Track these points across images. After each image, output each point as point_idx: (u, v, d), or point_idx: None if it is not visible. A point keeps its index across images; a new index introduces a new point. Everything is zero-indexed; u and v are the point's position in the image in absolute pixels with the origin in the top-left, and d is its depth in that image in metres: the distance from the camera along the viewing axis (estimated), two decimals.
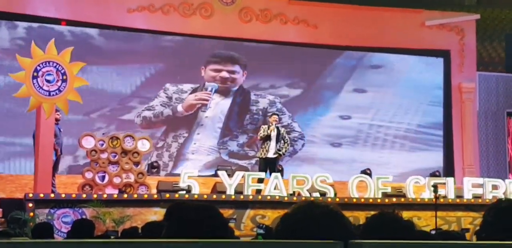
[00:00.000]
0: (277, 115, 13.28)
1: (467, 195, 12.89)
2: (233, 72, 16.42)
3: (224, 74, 16.28)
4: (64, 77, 11.42)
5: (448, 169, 16.98)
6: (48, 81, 11.30)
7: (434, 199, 12.03)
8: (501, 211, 2.33)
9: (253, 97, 16.66)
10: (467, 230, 11.79)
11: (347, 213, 12.41)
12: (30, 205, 10.65)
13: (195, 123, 16.12)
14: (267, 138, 12.67)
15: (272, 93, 16.85)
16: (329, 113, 17.20)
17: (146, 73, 15.86)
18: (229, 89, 16.45)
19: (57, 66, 11.40)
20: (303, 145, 16.88)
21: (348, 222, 2.22)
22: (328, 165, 16.22)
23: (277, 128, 12.86)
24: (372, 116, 17.44)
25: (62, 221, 10.67)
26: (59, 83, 11.36)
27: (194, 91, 16.13)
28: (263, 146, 12.76)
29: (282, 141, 12.80)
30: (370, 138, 17.38)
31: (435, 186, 12.43)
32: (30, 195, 10.81)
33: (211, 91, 16.08)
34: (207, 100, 16.07)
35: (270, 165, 12.73)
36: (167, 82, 16.01)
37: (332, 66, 17.37)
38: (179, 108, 16.00)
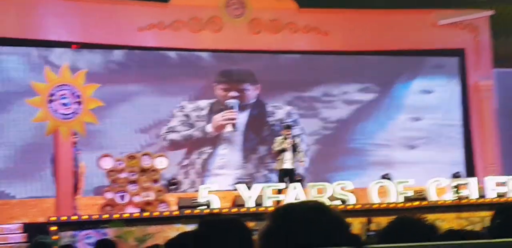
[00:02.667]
0: (289, 127, 13.28)
1: (491, 194, 12.79)
2: (241, 90, 16.49)
3: (233, 93, 16.35)
4: (79, 99, 11.54)
5: (470, 169, 16.85)
6: (63, 104, 11.43)
7: (456, 200, 11.96)
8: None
9: (269, 109, 16.70)
10: None
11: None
12: (54, 228, 10.75)
13: (219, 139, 16.20)
14: (282, 149, 12.70)
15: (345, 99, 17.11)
16: (399, 115, 17.42)
17: (159, 91, 15.93)
18: (245, 104, 16.53)
19: (71, 89, 11.53)
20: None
21: (344, 223, 2.00)
22: (406, 168, 16.21)
23: (292, 140, 12.84)
24: (442, 115, 17.62)
25: (86, 242, 10.76)
26: (74, 106, 11.49)
27: (211, 107, 16.22)
28: (279, 158, 12.77)
29: (297, 151, 12.81)
30: (442, 138, 17.48)
31: (456, 187, 12.37)
32: (53, 218, 10.92)
33: (233, 108, 16.18)
34: (234, 119, 16.17)
35: (288, 176, 12.73)
36: (181, 99, 16.08)
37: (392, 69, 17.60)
38: (209, 129, 16.11)
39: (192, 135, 16.04)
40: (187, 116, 16.08)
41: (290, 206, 1.97)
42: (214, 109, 16.24)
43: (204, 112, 16.16)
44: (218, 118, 16.15)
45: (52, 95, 11.40)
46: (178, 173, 15.56)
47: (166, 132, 15.89)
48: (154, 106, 15.81)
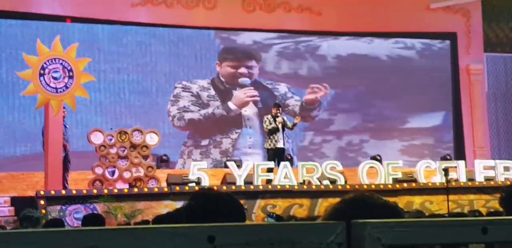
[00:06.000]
0: (279, 106, 13.17)
1: (479, 178, 12.84)
2: (250, 67, 16.58)
3: (243, 70, 16.43)
4: (71, 73, 11.46)
5: (459, 152, 16.93)
6: (55, 78, 11.34)
7: (445, 183, 12.02)
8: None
9: (269, 86, 16.80)
10: (480, 212, 11.74)
11: None
12: (42, 202, 10.70)
13: (243, 119, 16.27)
14: (276, 129, 12.62)
15: None
16: None
17: (156, 69, 15.85)
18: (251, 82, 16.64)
19: (63, 63, 11.44)
20: None
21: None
22: None
23: (282, 118, 12.75)
24: None
25: (74, 217, 10.72)
26: (66, 80, 11.41)
27: (214, 86, 16.16)
28: (271, 137, 12.67)
29: (287, 127, 12.75)
30: None
31: (445, 170, 12.39)
32: (42, 192, 10.85)
33: (247, 85, 16.32)
34: (256, 96, 16.31)
35: (278, 155, 12.69)
36: (178, 79, 16.04)
37: None
38: (232, 106, 16.18)
39: (214, 113, 16.10)
40: (196, 96, 16.03)
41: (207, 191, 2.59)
42: (217, 88, 16.22)
43: (212, 92, 16.16)
44: (241, 94, 16.23)
45: (43, 68, 11.31)
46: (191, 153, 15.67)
47: (178, 112, 15.88)
48: (147, 85, 15.74)
